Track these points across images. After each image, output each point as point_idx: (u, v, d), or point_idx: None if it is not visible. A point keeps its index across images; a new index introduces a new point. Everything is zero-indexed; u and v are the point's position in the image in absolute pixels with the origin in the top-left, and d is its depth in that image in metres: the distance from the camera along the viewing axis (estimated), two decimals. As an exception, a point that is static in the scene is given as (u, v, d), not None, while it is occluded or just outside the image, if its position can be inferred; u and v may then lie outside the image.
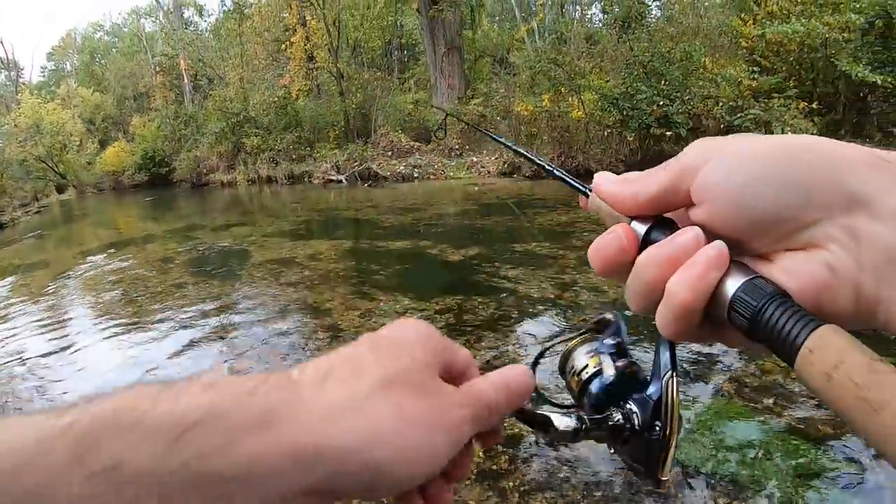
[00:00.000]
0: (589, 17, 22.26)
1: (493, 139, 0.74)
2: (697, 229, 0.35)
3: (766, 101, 11.51)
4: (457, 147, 15.42)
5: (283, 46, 22.21)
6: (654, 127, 11.02)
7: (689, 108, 11.31)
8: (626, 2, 12.82)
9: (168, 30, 34.94)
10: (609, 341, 0.45)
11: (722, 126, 11.23)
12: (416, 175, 14.75)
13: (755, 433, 2.64)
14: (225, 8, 32.92)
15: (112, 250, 9.40)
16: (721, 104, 11.41)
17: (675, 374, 0.38)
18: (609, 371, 0.43)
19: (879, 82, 10.78)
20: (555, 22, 20.38)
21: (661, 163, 0.38)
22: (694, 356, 3.35)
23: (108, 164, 30.86)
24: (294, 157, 18.87)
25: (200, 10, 39.69)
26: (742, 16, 13.96)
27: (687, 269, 0.34)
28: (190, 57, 29.98)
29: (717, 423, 2.73)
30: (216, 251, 8.16)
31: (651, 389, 0.39)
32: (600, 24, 18.81)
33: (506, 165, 13.70)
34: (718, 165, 0.35)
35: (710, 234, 0.35)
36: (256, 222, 10.90)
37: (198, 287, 6.00)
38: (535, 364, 0.45)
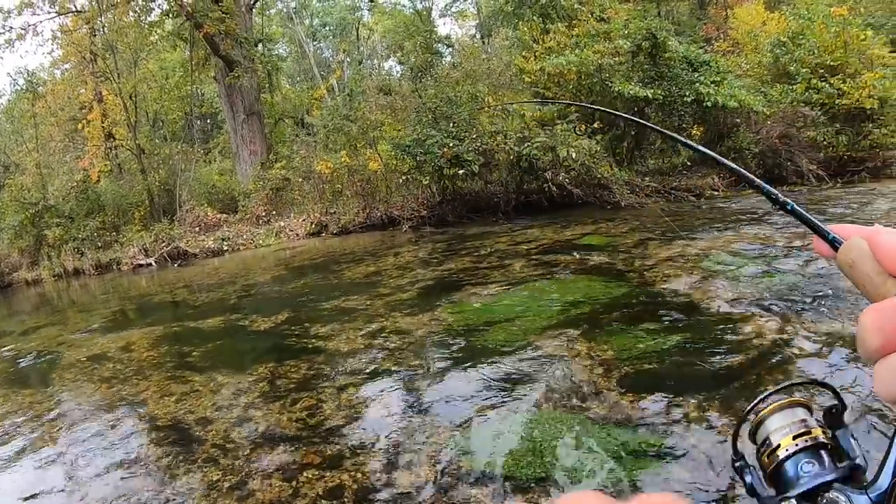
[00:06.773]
0: (387, 69, 22.99)
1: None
2: None
3: (551, 128, 12.15)
4: (263, 214, 14.83)
5: (80, 125, 20.60)
6: (445, 168, 11.14)
7: (479, 144, 11.60)
8: (421, 54, 13.15)
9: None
10: (816, 418, 0.35)
11: (512, 157, 11.60)
12: (226, 248, 14.06)
13: (571, 432, 2.80)
14: (17, 87, 29.71)
15: None
16: (510, 137, 11.84)
17: None
18: (811, 455, 0.34)
19: (651, 96, 11.93)
20: (352, 78, 20.70)
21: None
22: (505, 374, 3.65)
23: None
24: (100, 244, 17.28)
25: (-12, 94, 35.55)
26: (524, 54, 14.98)
27: None
28: (-20, 143, 26.59)
29: (531, 430, 2.90)
30: (24, 357, 7.44)
31: (877, 485, 0.31)
32: (397, 76, 19.46)
33: (313, 226, 13.50)
34: None
35: None
36: (67, 320, 9.90)
37: (6, 398, 5.50)
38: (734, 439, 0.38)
